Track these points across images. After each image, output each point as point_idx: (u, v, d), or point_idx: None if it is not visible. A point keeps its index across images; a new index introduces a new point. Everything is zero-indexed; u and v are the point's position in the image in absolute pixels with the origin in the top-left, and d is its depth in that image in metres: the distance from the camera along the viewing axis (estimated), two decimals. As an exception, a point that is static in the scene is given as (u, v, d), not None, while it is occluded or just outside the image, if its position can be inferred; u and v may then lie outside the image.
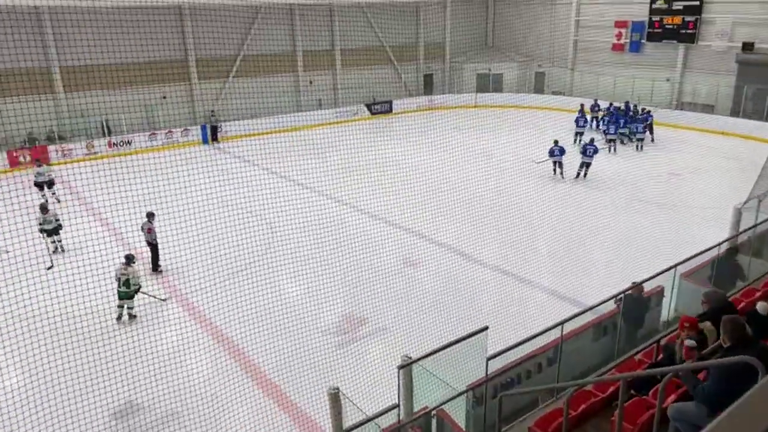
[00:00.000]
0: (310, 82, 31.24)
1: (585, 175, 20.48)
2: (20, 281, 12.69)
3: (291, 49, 30.29)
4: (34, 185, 17.39)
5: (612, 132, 24.37)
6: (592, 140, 20.71)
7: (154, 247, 13.47)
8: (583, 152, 20.44)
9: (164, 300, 12.25)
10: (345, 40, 31.73)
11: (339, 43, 31.75)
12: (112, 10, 23.27)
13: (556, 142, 20.78)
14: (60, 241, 14.33)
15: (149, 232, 13.37)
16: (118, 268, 11.31)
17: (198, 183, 18.92)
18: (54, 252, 13.95)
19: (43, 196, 17.32)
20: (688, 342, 5.50)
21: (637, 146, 24.74)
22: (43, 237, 13.76)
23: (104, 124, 24.54)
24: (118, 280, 11.22)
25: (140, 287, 11.58)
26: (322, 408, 7.55)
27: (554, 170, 20.87)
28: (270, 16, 28.80)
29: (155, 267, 13.56)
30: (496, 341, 6.98)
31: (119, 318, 11.36)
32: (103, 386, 9.07)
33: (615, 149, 24.20)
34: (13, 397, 8.91)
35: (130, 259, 11.35)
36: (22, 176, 19.01)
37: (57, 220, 14.14)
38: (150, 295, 12.07)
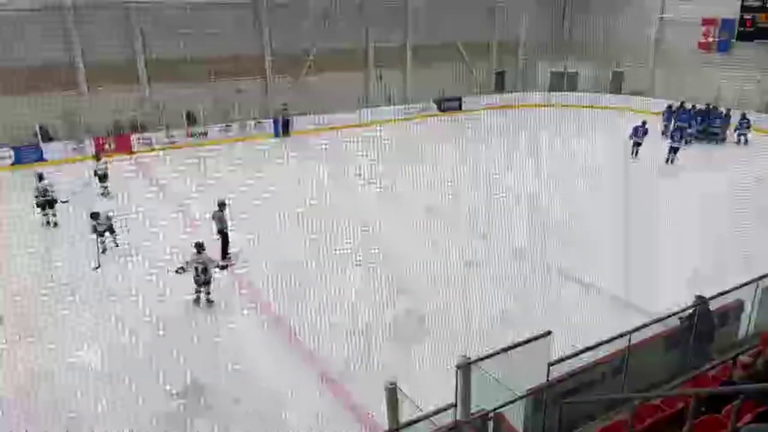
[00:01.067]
0: (380, 78, 31.33)
1: (673, 160, 21.53)
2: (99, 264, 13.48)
3: (362, 45, 30.49)
4: (94, 175, 18.59)
5: (692, 129, 24.93)
6: (678, 127, 22.60)
7: (224, 235, 13.91)
8: (671, 138, 22.20)
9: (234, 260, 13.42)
10: (417, 35, 31.58)
11: (410, 39, 31.66)
12: (193, 5, 24.24)
13: (644, 122, 22.38)
14: (113, 240, 14.46)
15: (220, 221, 13.81)
16: (192, 257, 11.49)
17: (267, 175, 19.46)
18: (103, 252, 14.07)
19: (102, 187, 18.48)
20: (743, 358, 5.21)
21: (739, 140, 24.72)
22: (95, 237, 13.94)
23: (183, 115, 25.58)
24: (196, 269, 11.45)
25: (219, 267, 12.05)
26: (378, 402, 7.59)
27: (632, 151, 22.17)
28: (343, 11, 29.05)
29: (224, 255, 14.00)
30: (558, 347, 6.79)
31: (197, 301, 11.75)
32: (170, 366, 9.52)
33: (691, 141, 24.66)
34: (92, 370, 9.55)
35: (200, 247, 11.53)
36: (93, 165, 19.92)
37: (108, 219, 14.27)
38: (227, 265, 12.83)
